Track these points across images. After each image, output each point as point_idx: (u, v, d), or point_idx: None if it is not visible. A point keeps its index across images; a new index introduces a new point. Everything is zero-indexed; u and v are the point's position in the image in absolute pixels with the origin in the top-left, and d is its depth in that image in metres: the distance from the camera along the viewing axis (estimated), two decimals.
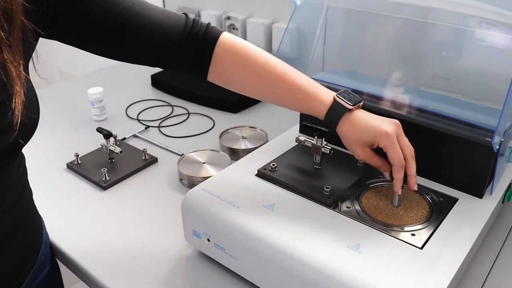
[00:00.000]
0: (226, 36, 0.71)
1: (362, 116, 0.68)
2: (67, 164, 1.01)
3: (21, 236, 0.68)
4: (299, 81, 0.70)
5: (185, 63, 0.71)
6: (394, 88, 0.84)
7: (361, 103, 0.69)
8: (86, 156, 1.03)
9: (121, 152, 0.97)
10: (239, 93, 0.74)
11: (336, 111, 0.68)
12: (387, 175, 0.69)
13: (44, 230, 0.78)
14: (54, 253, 0.81)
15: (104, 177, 0.95)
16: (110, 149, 0.99)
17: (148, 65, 0.71)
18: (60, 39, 0.66)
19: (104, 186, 0.94)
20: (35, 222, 0.74)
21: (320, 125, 0.75)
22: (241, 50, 0.70)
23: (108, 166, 0.99)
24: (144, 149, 1.03)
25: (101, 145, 1.01)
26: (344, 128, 0.68)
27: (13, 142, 0.56)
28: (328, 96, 0.69)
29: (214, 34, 0.70)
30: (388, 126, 0.66)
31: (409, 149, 0.67)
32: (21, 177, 0.68)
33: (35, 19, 0.58)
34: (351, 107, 0.67)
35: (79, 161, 1.01)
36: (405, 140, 0.67)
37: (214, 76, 0.73)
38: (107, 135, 0.99)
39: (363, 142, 0.67)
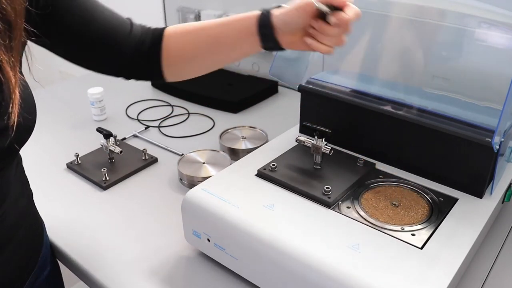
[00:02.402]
0: (168, 28, 0.72)
1: (284, 12, 0.67)
2: (67, 164, 1.01)
3: (21, 238, 0.68)
4: (228, 18, 0.72)
5: (139, 68, 0.73)
6: (394, 88, 0.84)
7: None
8: (86, 156, 1.03)
9: (121, 152, 0.97)
10: (198, 75, 0.76)
11: (266, 13, 0.68)
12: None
13: (45, 232, 0.78)
14: (54, 253, 0.81)
15: (104, 177, 0.95)
16: (110, 149, 0.99)
17: (108, 75, 0.74)
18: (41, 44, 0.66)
19: (104, 186, 0.94)
20: (36, 224, 0.74)
21: (319, 126, 0.75)
22: (180, 29, 0.72)
23: (108, 166, 0.99)
24: (144, 149, 1.03)
25: (101, 145, 1.01)
26: (280, 12, 0.66)
27: (9, 145, 0.56)
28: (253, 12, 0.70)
29: (158, 32, 0.72)
30: None
31: None
32: (19, 179, 0.68)
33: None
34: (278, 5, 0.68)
35: (79, 161, 1.01)
36: None
37: (168, 70, 0.73)
38: (107, 135, 0.99)
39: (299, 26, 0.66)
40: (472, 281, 0.69)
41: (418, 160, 0.76)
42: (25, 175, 0.71)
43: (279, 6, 0.68)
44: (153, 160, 1.03)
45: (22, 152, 0.84)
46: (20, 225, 0.67)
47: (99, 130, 1.00)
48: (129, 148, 1.07)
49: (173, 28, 0.73)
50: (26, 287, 0.70)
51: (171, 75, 0.74)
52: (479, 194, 0.71)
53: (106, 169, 0.96)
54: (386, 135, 0.78)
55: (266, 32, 0.68)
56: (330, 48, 0.66)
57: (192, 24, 0.73)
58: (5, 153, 0.58)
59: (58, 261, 0.82)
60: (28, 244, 0.70)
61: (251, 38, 0.69)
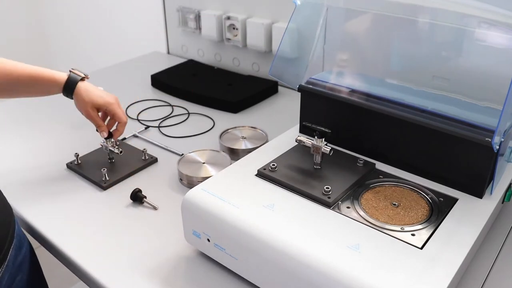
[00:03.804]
0: None
1: (91, 86, 0.94)
2: (67, 164, 1.01)
3: None
4: (39, 74, 0.89)
5: None
6: (394, 88, 0.84)
7: (88, 77, 0.96)
8: (86, 156, 1.03)
9: (121, 152, 0.97)
10: None
11: (73, 80, 0.91)
12: (104, 134, 0.95)
13: (14, 218, 0.79)
14: (54, 254, 0.81)
15: (104, 177, 0.95)
16: (110, 149, 0.99)
17: None
18: None
19: (104, 186, 0.94)
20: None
21: (319, 126, 0.75)
22: None
23: (108, 166, 0.99)
24: (144, 149, 1.03)
25: (101, 145, 1.01)
26: (80, 93, 0.91)
27: None
28: (61, 73, 0.91)
29: None
30: (112, 97, 0.95)
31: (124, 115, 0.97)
32: None
33: None
34: (83, 76, 0.93)
35: (79, 161, 1.01)
36: (122, 109, 0.97)
37: None
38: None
39: (94, 105, 0.93)
40: (472, 281, 0.69)
41: (418, 160, 0.76)
42: None
43: (84, 77, 0.94)
44: (153, 160, 1.03)
45: (22, 152, 0.84)
46: None
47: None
48: (129, 148, 1.07)
49: None
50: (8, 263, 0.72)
51: None
52: (479, 194, 0.71)
53: (106, 169, 0.96)
54: (386, 135, 0.78)
55: (68, 96, 0.93)
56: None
57: (3, 65, 0.86)
58: None
59: (58, 261, 0.82)
60: None
61: (54, 93, 0.93)
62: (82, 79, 0.93)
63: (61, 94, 0.93)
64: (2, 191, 0.78)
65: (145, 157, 1.02)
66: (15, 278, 0.76)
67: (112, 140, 1.00)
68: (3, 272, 0.71)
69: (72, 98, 0.93)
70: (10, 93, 0.91)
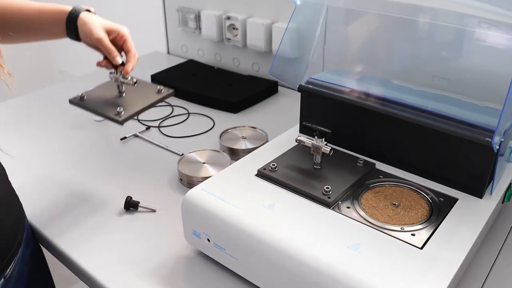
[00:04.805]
0: None
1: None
2: (69, 100, 0.89)
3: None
4: (44, 7, 0.85)
5: None
6: (394, 88, 0.84)
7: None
8: (91, 92, 0.92)
9: (135, 83, 0.87)
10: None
11: (78, 8, 0.86)
12: (118, 59, 0.85)
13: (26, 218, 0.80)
14: (54, 254, 0.81)
15: (118, 110, 0.83)
16: (121, 81, 0.88)
17: None
18: None
19: (120, 120, 0.82)
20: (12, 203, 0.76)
21: (319, 126, 0.75)
22: None
23: (118, 100, 0.87)
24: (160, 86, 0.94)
25: (110, 77, 0.89)
26: (89, 16, 0.84)
27: None
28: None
29: None
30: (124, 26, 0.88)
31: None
32: None
33: None
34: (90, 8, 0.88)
35: (84, 95, 0.89)
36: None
37: None
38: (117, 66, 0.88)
39: (105, 28, 0.84)
40: (472, 281, 0.69)
41: (418, 160, 0.76)
42: None
43: (88, 10, 0.88)
44: (170, 93, 0.91)
45: (23, 152, 0.84)
46: None
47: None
48: (140, 82, 0.92)
49: None
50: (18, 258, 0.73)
51: None
52: (479, 194, 0.71)
53: (119, 103, 0.86)
54: (386, 135, 0.78)
55: (71, 30, 0.86)
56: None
57: (9, 3, 0.83)
58: None
59: (59, 262, 0.82)
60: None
61: (59, 27, 0.86)
62: (88, 11, 0.87)
63: (64, 35, 0.87)
64: None
65: (160, 91, 0.91)
66: (22, 272, 0.76)
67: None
68: (14, 265, 0.72)
69: (74, 35, 0.85)
70: (18, 31, 0.83)
